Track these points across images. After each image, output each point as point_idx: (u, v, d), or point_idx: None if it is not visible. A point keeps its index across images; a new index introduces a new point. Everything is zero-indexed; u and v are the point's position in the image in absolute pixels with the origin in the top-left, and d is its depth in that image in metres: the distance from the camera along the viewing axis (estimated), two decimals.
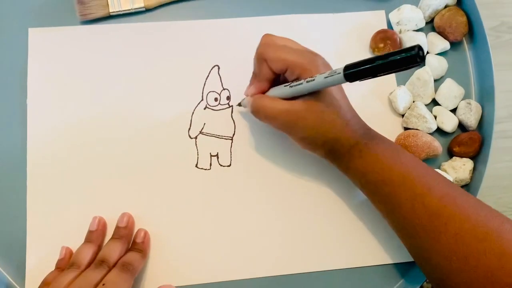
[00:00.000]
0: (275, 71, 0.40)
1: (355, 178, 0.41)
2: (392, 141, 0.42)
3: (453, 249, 0.35)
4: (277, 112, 0.39)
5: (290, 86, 0.38)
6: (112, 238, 0.42)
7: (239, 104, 0.47)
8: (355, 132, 0.40)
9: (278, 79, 0.41)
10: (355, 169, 0.40)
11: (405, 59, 0.29)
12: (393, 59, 0.29)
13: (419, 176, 0.38)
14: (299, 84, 0.37)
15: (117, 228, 0.43)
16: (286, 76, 0.40)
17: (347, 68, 0.32)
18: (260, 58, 0.40)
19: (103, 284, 0.37)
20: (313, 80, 0.36)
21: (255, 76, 0.42)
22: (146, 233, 0.43)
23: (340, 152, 0.40)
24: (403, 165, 0.39)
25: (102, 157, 0.45)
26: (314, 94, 0.38)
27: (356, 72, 0.32)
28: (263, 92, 0.42)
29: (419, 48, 0.28)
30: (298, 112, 0.38)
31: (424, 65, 0.27)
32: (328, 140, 0.40)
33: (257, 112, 0.41)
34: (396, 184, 0.38)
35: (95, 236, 0.42)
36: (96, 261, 0.39)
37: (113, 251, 0.40)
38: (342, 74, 0.33)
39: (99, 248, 0.42)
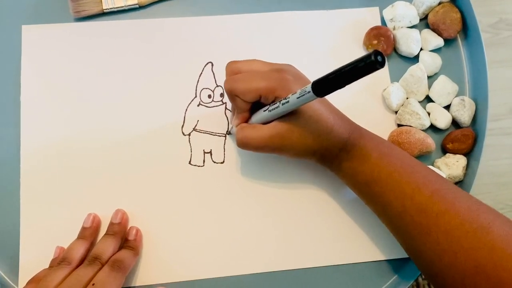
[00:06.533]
0: (249, 101, 0.39)
1: (346, 179, 0.42)
2: (381, 138, 0.42)
3: (443, 245, 0.35)
4: (262, 140, 0.39)
5: (268, 111, 0.39)
6: (106, 234, 0.42)
7: (229, 133, 0.47)
8: (341, 136, 0.40)
9: (258, 102, 0.41)
10: (344, 171, 0.41)
11: (362, 68, 0.30)
12: (350, 69, 0.30)
13: (408, 174, 0.38)
14: (276, 108, 0.38)
15: (111, 224, 0.43)
16: (261, 101, 0.40)
17: (314, 84, 0.33)
18: (231, 94, 0.40)
19: (93, 284, 0.37)
20: (288, 102, 0.36)
21: (234, 108, 0.42)
22: (138, 230, 0.43)
23: (330, 156, 0.41)
24: (391, 163, 0.39)
25: (96, 154, 0.45)
26: (293, 112, 0.38)
27: (323, 87, 0.33)
28: (247, 119, 0.42)
29: (376, 54, 0.29)
30: (282, 134, 0.39)
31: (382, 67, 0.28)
32: (317, 149, 0.40)
33: (244, 145, 0.40)
34: (385, 183, 0.38)
35: (88, 232, 0.42)
36: (89, 257, 0.40)
37: (106, 247, 0.40)
38: (311, 91, 0.33)
39: (92, 245, 0.42)
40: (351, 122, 0.42)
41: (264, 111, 0.39)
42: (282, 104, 0.37)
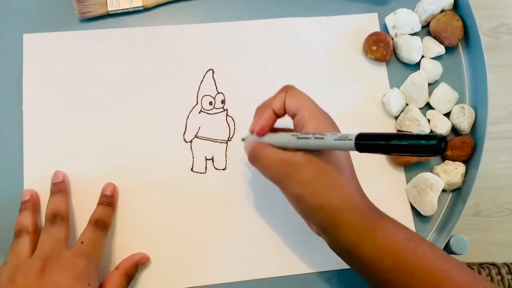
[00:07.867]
0: (287, 107, 0.37)
1: (366, 262, 0.35)
2: (399, 222, 0.36)
3: None
4: (273, 161, 0.36)
5: (297, 137, 0.35)
6: (53, 192, 0.42)
7: (243, 139, 0.43)
8: (363, 207, 0.35)
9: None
10: (365, 253, 0.34)
11: (422, 147, 0.27)
12: (409, 144, 0.27)
13: (435, 266, 0.33)
14: (306, 138, 0.35)
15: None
16: (294, 122, 0.38)
17: (360, 137, 0.30)
18: (283, 89, 0.38)
19: (82, 242, 0.38)
20: (322, 138, 0.33)
21: (263, 107, 0.39)
22: (115, 186, 0.44)
23: (343, 226, 0.34)
24: (417, 253, 0.34)
25: (98, 162, 0.46)
26: (323, 153, 0.35)
27: (368, 145, 0.30)
28: (268, 128, 0.38)
29: (442, 139, 0.26)
30: (297, 164, 0.35)
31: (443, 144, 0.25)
32: (327, 204, 0.34)
33: (254, 161, 0.38)
34: (410, 274, 0.33)
35: (29, 204, 0.42)
36: (47, 217, 0.39)
37: (60, 203, 0.40)
38: (353, 142, 0.30)
39: (38, 213, 0.42)
40: (370, 200, 0.37)
41: (292, 135, 0.36)
42: (315, 137, 0.34)
